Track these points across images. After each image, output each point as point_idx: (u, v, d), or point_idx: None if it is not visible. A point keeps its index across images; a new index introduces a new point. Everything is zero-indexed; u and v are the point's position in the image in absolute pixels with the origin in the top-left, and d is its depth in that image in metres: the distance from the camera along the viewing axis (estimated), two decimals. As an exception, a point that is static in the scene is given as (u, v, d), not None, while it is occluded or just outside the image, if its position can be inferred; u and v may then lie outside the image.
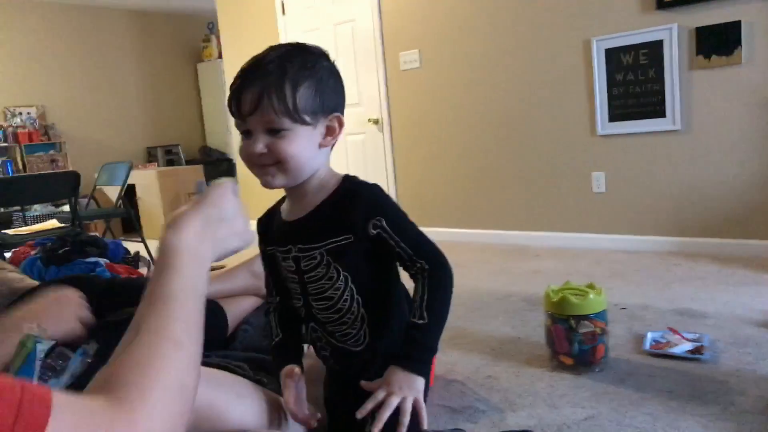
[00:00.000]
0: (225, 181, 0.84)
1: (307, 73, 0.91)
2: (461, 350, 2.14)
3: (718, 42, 3.08)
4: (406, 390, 0.88)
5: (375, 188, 0.99)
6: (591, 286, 1.91)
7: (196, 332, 0.70)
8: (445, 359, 2.07)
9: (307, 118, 0.91)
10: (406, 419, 0.87)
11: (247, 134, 0.95)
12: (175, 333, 0.66)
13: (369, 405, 0.87)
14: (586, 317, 1.84)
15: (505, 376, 1.90)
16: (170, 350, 0.64)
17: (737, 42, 3.03)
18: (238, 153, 0.95)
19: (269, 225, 1.10)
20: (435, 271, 0.95)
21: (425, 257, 0.96)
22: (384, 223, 0.93)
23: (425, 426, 0.89)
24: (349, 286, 0.96)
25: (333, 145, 0.99)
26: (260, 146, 0.92)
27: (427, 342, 0.94)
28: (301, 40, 4.23)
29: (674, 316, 2.33)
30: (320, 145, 0.95)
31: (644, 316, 2.34)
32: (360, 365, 1.01)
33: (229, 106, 0.94)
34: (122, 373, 0.59)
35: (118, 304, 1.44)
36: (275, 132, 0.91)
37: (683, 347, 1.97)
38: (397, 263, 0.99)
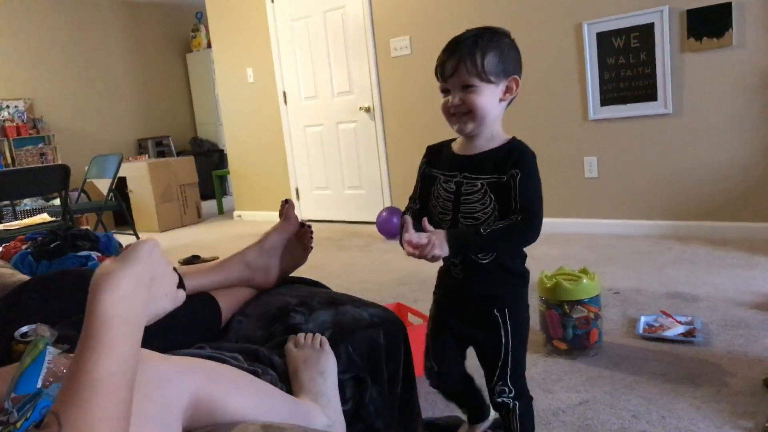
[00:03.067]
0: (150, 239, 0.81)
1: (493, 45, 1.20)
2: (456, 337, 2.15)
3: (709, 24, 3.08)
4: (437, 242, 1.15)
5: (529, 152, 1.25)
6: (584, 271, 1.92)
7: (125, 423, 0.66)
8: (440, 346, 2.08)
9: (492, 78, 1.20)
10: (428, 250, 1.14)
11: (446, 92, 1.24)
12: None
13: (413, 237, 1.14)
14: (579, 302, 1.85)
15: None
16: None
17: (728, 24, 3.02)
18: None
19: (438, 153, 1.35)
20: (521, 223, 1.18)
21: (523, 214, 1.18)
22: (518, 176, 1.20)
23: (430, 255, 1.15)
24: (495, 213, 1.22)
25: (511, 101, 1.28)
26: (456, 99, 1.21)
27: (470, 244, 1.20)
28: (289, 28, 4.17)
29: (667, 299, 2.34)
30: (500, 100, 1.24)
31: (637, 300, 2.36)
32: (483, 274, 1.26)
33: (436, 72, 1.25)
34: None
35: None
36: (467, 88, 1.20)
37: (676, 330, 1.98)
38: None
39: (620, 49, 3.36)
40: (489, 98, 1.21)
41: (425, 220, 1.19)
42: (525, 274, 1.32)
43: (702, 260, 2.82)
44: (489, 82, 1.20)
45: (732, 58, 3.07)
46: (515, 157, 1.22)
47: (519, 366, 1.29)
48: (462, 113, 1.22)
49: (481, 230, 1.18)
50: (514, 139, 1.29)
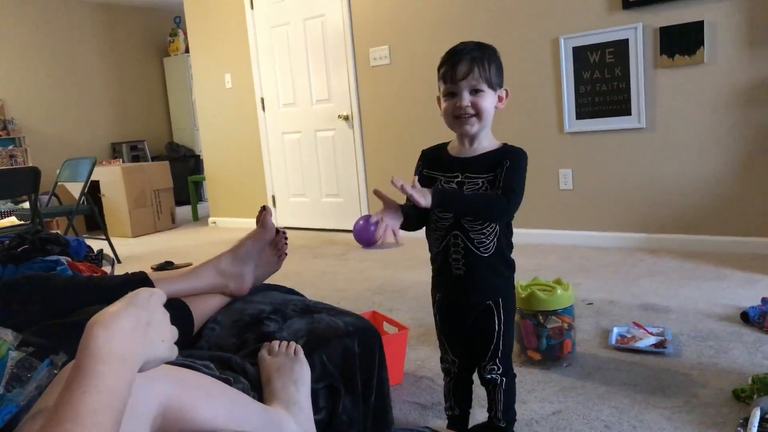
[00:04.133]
0: (151, 288, 0.82)
1: (493, 57, 1.33)
2: (431, 347, 2.15)
3: (682, 42, 3.15)
4: (423, 194, 1.23)
5: (523, 151, 1.36)
6: (558, 282, 1.93)
7: None
8: (414, 356, 2.07)
9: (494, 86, 1.32)
10: (408, 190, 1.21)
11: (450, 96, 1.32)
12: None
13: (408, 188, 1.22)
14: (553, 312, 1.86)
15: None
16: None
17: (700, 42, 3.10)
18: (441, 114, 1.37)
19: (436, 156, 1.44)
20: (501, 196, 1.28)
21: (504, 191, 1.29)
22: (507, 165, 1.31)
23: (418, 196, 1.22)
24: None
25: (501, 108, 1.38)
26: (466, 101, 1.30)
27: (452, 200, 1.28)
28: (269, 35, 4.16)
29: (639, 310, 2.37)
30: (495, 107, 1.35)
31: (610, 311, 2.38)
32: (484, 268, 1.34)
33: (444, 76, 1.32)
34: None
35: (80, 304, 1.40)
36: (476, 92, 1.30)
37: (647, 341, 2.00)
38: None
39: (596, 64, 3.42)
40: (490, 103, 1.33)
41: (415, 179, 1.33)
42: (514, 264, 1.44)
43: (673, 272, 2.87)
44: (492, 88, 1.32)
45: (703, 76, 3.14)
46: (508, 155, 1.35)
47: (508, 347, 1.41)
48: (469, 115, 1.32)
49: (465, 190, 1.32)
50: (504, 145, 1.39)
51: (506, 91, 1.38)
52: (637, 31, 3.25)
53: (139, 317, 0.75)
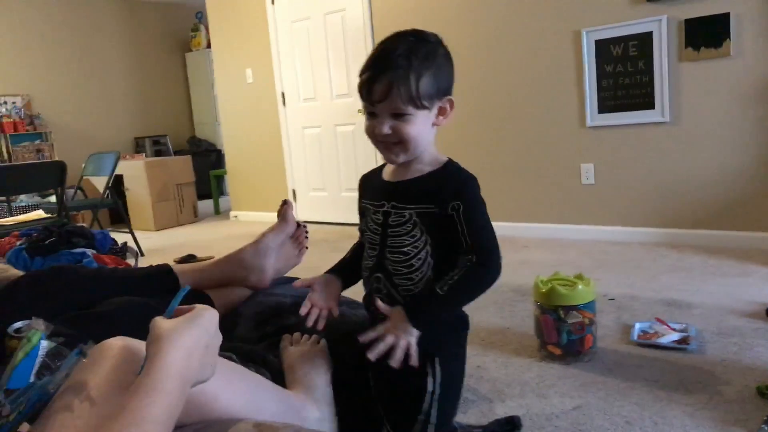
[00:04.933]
0: (212, 309, 0.84)
1: (428, 63, 1.04)
2: (450, 341, 2.15)
3: (707, 34, 3.09)
4: (401, 332, 1.02)
5: (470, 178, 1.10)
6: (579, 277, 1.92)
7: None
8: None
9: (426, 103, 1.05)
10: (398, 353, 1.01)
11: (372, 115, 1.08)
12: None
13: (371, 334, 1.03)
14: (574, 308, 1.85)
15: (494, 366, 1.91)
16: None
17: (726, 34, 3.04)
18: (364, 131, 1.13)
19: (369, 182, 1.22)
20: (479, 268, 1.05)
21: (479, 253, 1.05)
22: (461, 209, 1.05)
23: (415, 362, 1.02)
24: (427, 247, 1.08)
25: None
26: (386, 128, 1.05)
27: (434, 311, 1.05)
28: (289, 30, 4.14)
29: (661, 306, 2.35)
30: (433, 124, 1.09)
31: (632, 307, 2.36)
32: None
33: (360, 92, 1.08)
34: None
35: (105, 295, 1.42)
36: (399, 116, 1.04)
37: (670, 337, 1.98)
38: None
39: (618, 57, 3.38)
40: (422, 126, 1.06)
41: (378, 300, 1.07)
42: (464, 318, 1.17)
43: (696, 268, 2.83)
44: (423, 108, 1.04)
45: (729, 68, 3.08)
46: (454, 187, 1.07)
47: (446, 422, 1.13)
48: (392, 143, 1.07)
49: (438, 290, 1.03)
50: (449, 163, 1.13)
51: (450, 100, 1.09)
52: (661, 24, 3.20)
53: (200, 338, 0.79)
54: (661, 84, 3.25)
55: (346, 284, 1.24)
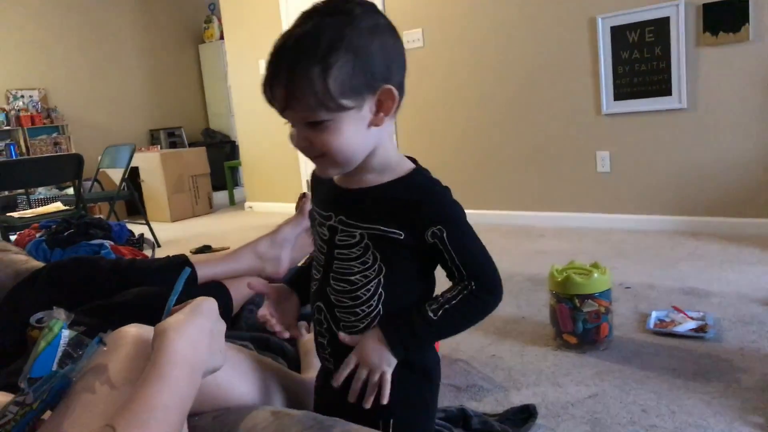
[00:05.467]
0: (209, 298, 0.85)
1: (340, 44, 0.75)
2: (466, 330, 2.15)
3: (726, 18, 3.04)
4: (376, 362, 0.85)
5: (447, 193, 0.87)
6: (595, 266, 1.91)
7: None
8: (449, 339, 2.08)
9: (347, 102, 0.77)
10: (369, 392, 0.86)
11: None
12: None
13: (344, 371, 0.87)
14: (590, 296, 1.84)
15: (510, 355, 1.91)
16: None
17: (745, 18, 2.99)
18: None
19: (319, 181, 0.95)
20: (480, 294, 0.86)
21: (477, 279, 0.86)
22: (445, 234, 0.83)
23: (386, 401, 0.86)
24: (380, 278, 0.86)
25: (396, 113, 0.87)
26: (301, 139, 0.81)
27: (421, 335, 0.86)
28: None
29: (679, 295, 2.33)
30: (370, 124, 0.82)
31: (649, 295, 2.34)
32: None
33: (264, 95, 0.82)
34: None
35: (123, 285, 1.44)
36: (315, 125, 0.78)
37: (687, 326, 1.97)
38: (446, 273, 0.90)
39: (635, 44, 3.33)
40: (351, 132, 0.79)
41: (341, 334, 0.87)
42: (428, 370, 0.94)
43: (715, 256, 2.80)
44: (345, 109, 0.77)
45: (748, 53, 3.03)
46: (431, 208, 0.84)
47: None
48: (314, 156, 0.82)
49: (430, 313, 0.85)
50: (416, 172, 0.89)
51: (388, 90, 0.81)
52: (678, 8, 3.15)
53: (203, 326, 0.79)
54: (679, 70, 3.21)
55: (305, 300, 0.99)
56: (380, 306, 0.87)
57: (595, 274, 1.85)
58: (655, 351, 1.85)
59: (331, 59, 0.75)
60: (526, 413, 1.50)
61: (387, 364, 0.85)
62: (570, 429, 1.46)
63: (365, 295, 0.87)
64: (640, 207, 3.49)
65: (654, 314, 2.08)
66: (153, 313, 1.42)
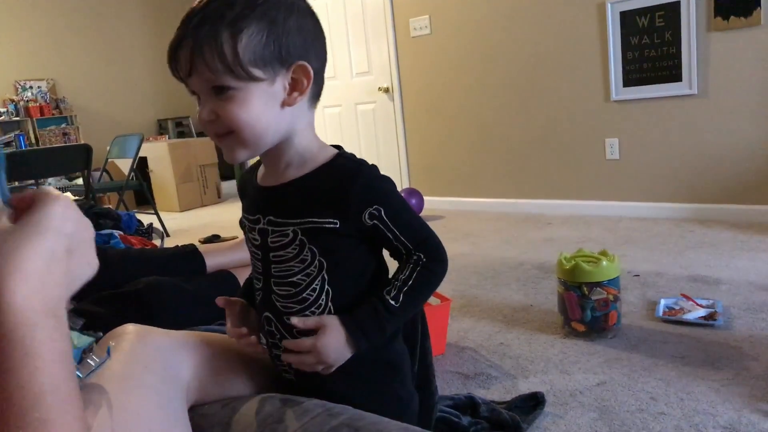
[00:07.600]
0: (59, 195, 0.57)
1: (253, 13, 0.73)
2: (474, 317, 2.16)
3: (737, 2, 3.00)
4: (332, 360, 0.81)
5: (374, 171, 0.83)
6: (604, 253, 1.91)
7: None
8: (457, 326, 2.08)
9: (257, 72, 0.74)
10: (306, 369, 0.83)
11: (196, 97, 0.78)
12: None
13: (292, 344, 0.83)
14: (598, 284, 1.84)
15: (518, 343, 1.92)
16: None
17: (756, 2, 2.94)
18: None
19: (246, 185, 0.91)
20: (432, 264, 0.84)
21: (425, 250, 0.84)
22: (383, 213, 0.80)
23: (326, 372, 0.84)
24: (323, 274, 0.82)
25: (315, 104, 0.84)
26: (206, 111, 0.76)
27: (385, 326, 0.82)
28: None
29: (688, 282, 2.32)
30: (284, 104, 0.78)
31: (657, 283, 2.34)
32: (317, 376, 0.84)
33: (169, 65, 0.76)
34: None
35: (133, 275, 1.46)
36: (220, 91, 0.74)
37: (696, 313, 1.96)
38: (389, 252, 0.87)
39: (644, 29, 3.29)
40: (260, 106, 0.75)
41: (294, 318, 0.83)
42: (393, 361, 0.91)
43: (724, 244, 2.78)
44: (254, 79, 0.74)
45: (760, 38, 2.99)
46: (363, 190, 0.79)
47: None
48: (222, 134, 0.77)
49: (391, 302, 0.81)
50: (341, 155, 0.85)
51: (302, 66, 0.77)
52: (689, -7, 3.11)
53: (54, 249, 0.53)
54: (689, 55, 3.17)
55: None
56: (330, 303, 0.83)
57: (604, 262, 1.85)
58: (663, 339, 1.85)
59: (242, 24, 0.72)
60: (534, 401, 1.51)
61: (341, 362, 0.82)
62: (578, 417, 1.46)
63: (312, 296, 0.83)
64: (649, 194, 3.47)
65: (663, 302, 2.08)
66: (163, 302, 1.42)
